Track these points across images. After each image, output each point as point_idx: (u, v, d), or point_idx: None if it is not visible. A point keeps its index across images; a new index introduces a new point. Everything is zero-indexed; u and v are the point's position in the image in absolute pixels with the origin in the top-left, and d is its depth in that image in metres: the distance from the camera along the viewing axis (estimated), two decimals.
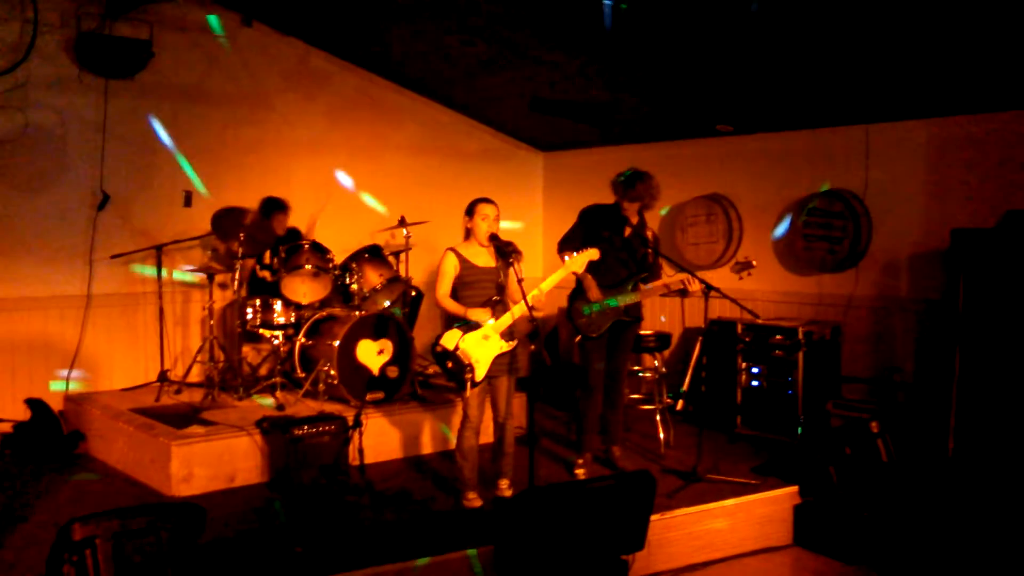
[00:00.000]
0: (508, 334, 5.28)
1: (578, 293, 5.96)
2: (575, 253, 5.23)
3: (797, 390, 6.84)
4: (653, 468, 5.85)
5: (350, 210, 8.31)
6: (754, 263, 6.00)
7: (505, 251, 5.18)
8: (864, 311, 7.01)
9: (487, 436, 5.62)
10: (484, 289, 5.34)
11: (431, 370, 7.58)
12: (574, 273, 5.34)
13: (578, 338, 5.99)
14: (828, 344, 7.00)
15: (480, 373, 5.20)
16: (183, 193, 7.51)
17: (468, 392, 5.23)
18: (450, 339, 5.23)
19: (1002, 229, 5.89)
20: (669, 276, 5.94)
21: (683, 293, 5.92)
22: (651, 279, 5.98)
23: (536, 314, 4.96)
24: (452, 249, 5.38)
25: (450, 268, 5.33)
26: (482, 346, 5.22)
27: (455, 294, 5.33)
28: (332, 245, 7.14)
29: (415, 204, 8.10)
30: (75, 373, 7.01)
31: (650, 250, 6.03)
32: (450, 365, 5.22)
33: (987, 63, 5.62)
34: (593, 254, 5.25)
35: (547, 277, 5.23)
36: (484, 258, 5.37)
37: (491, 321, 5.23)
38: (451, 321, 5.30)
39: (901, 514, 5.42)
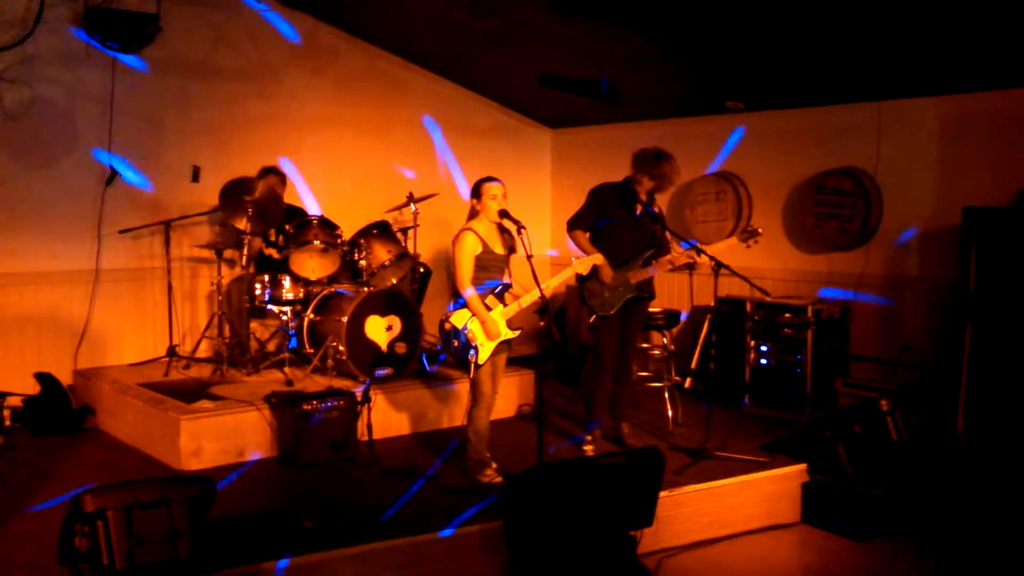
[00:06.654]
0: (512, 322, 5.31)
1: (589, 274, 5.94)
2: (585, 232, 5.59)
3: (806, 368, 6.83)
4: (661, 445, 5.85)
5: (359, 186, 8.28)
6: (760, 231, 5.98)
7: (517, 225, 5.15)
8: (874, 289, 6.98)
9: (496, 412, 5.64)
10: (495, 276, 5.33)
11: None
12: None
13: (593, 318, 5.99)
14: (837, 323, 6.98)
15: (483, 356, 5.22)
16: (191, 168, 7.48)
17: (473, 373, 5.25)
18: (459, 318, 5.23)
19: (1018, 207, 5.85)
20: (678, 251, 5.93)
21: (691, 267, 5.93)
22: (660, 255, 5.97)
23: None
24: (471, 229, 5.28)
25: (473, 248, 5.21)
26: None
27: None
28: (340, 221, 7.12)
29: (422, 180, 8.07)
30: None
31: (659, 227, 6.02)
32: (456, 344, 5.23)
33: (1000, 39, 5.56)
34: (598, 259, 5.56)
35: (554, 275, 5.42)
36: (497, 244, 5.35)
37: (501, 307, 5.25)
38: (460, 300, 5.29)
39: (909, 493, 5.42)
